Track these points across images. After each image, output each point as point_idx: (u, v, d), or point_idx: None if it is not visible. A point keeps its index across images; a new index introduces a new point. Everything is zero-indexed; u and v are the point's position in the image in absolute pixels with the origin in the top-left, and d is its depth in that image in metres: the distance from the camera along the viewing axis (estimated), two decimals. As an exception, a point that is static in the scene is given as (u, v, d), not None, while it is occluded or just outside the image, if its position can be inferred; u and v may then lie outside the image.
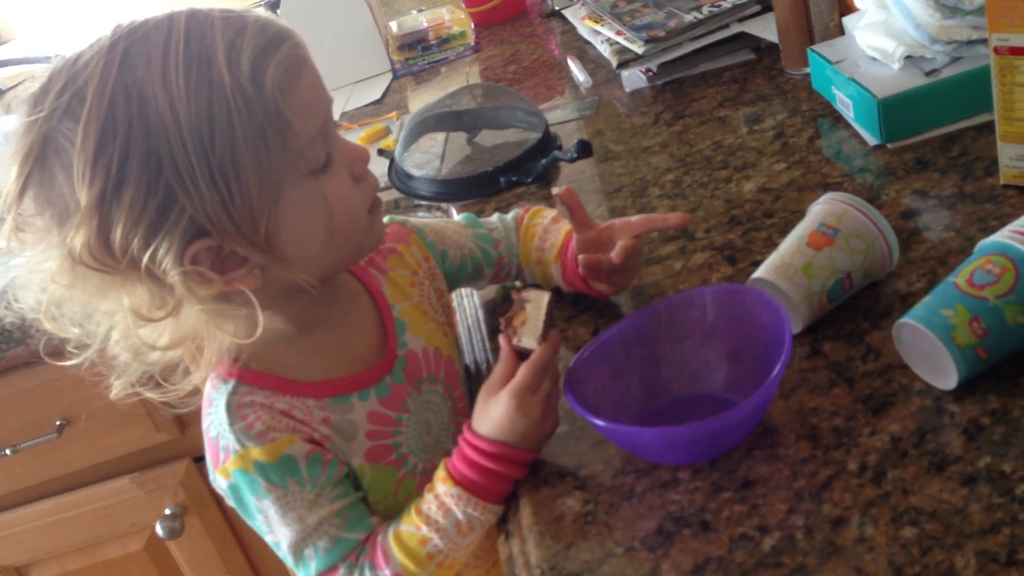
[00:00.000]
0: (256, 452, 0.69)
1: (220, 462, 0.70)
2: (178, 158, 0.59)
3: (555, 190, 0.82)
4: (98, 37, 0.63)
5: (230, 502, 0.72)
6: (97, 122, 0.59)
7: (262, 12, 0.66)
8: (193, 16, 0.63)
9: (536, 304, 0.70)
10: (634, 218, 0.83)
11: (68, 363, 0.69)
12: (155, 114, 0.59)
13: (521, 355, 0.70)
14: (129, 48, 0.61)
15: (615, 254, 0.81)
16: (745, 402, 0.63)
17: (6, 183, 0.62)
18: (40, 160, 0.61)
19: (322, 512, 0.70)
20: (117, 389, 0.70)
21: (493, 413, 0.69)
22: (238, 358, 0.72)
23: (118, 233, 0.60)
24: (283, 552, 0.72)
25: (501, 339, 0.71)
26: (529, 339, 0.70)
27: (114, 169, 0.59)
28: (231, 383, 0.71)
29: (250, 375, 0.72)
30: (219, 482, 0.71)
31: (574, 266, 0.84)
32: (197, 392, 0.72)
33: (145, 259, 0.61)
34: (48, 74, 0.63)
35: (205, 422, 0.72)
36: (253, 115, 0.61)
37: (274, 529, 0.71)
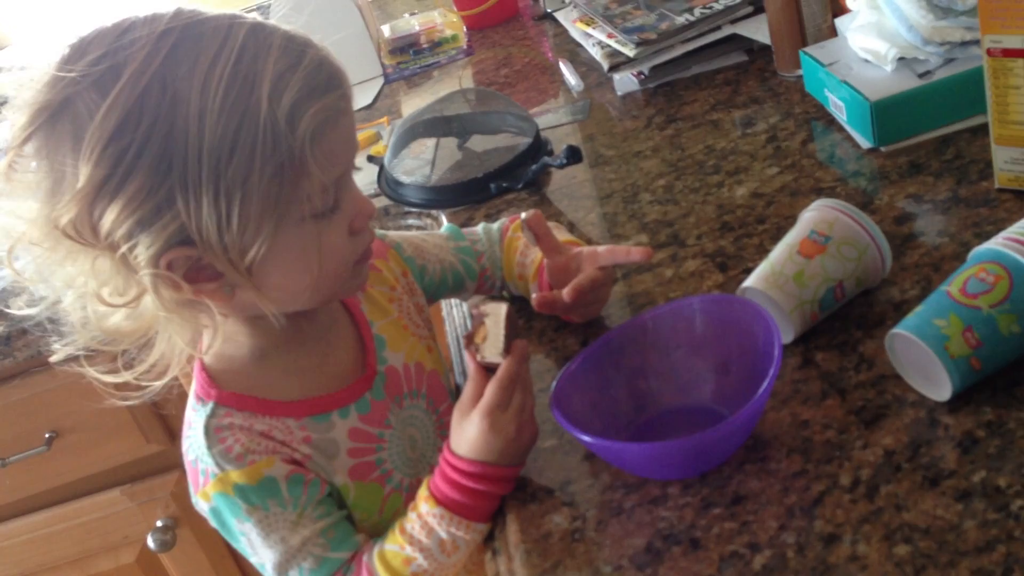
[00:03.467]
0: (235, 475, 0.67)
1: (200, 486, 0.69)
2: (190, 168, 0.58)
3: (523, 215, 0.81)
4: (155, 14, 0.61)
5: (213, 525, 0.71)
6: (124, 105, 0.58)
7: (323, 48, 0.64)
8: (253, 32, 0.61)
9: (495, 317, 0.68)
10: (600, 248, 0.82)
11: (18, 313, 0.66)
12: (183, 119, 0.58)
13: (490, 370, 0.68)
14: (179, 43, 0.59)
15: (566, 292, 0.79)
16: (734, 416, 0.62)
17: (14, 126, 0.60)
18: (53, 119, 0.59)
19: (305, 532, 0.69)
20: (58, 353, 0.67)
21: (467, 434, 0.67)
22: (216, 378, 0.71)
23: (107, 218, 0.59)
24: (268, 574, 0.71)
25: (466, 357, 0.69)
26: (492, 354, 0.68)
27: (126, 159, 0.58)
28: (210, 405, 0.70)
29: (228, 396, 0.70)
30: (200, 505, 0.70)
31: (547, 288, 0.83)
32: (133, 384, 0.69)
33: (123, 248, 0.60)
34: (93, 34, 0.61)
35: (184, 444, 0.71)
36: (277, 152, 0.60)
37: (258, 551, 0.70)
